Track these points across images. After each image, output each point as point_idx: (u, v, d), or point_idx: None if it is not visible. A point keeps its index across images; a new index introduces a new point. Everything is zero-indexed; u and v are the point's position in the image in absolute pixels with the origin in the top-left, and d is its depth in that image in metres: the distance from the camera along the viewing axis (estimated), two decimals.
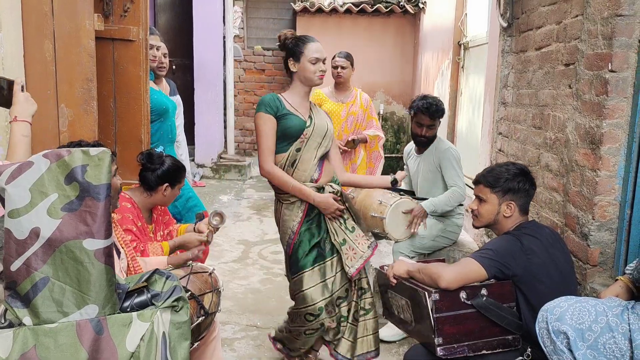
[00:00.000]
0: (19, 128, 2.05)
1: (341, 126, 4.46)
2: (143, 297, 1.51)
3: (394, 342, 3.35)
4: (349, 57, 4.54)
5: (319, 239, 2.78)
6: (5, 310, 1.43)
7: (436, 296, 2.10)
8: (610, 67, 2.36)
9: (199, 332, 2.21)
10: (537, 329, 1.99)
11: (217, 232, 2.84)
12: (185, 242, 2.76)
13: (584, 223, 2.53)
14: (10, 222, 1.41)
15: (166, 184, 2.75)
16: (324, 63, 2.78)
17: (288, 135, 2.73)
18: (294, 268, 2.80)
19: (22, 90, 2.14)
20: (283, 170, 2.74)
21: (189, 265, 2.40)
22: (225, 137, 8.68)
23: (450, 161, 3.47)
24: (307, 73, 2.76)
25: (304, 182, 2.74)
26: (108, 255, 1.43)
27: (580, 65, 2.62)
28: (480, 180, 2.40)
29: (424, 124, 3.49)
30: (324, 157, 2.84)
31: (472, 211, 2.42)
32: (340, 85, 4.54)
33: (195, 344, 2.21)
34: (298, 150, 2.74)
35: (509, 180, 2.33)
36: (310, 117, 2.80)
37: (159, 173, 2.73)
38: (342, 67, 4.43)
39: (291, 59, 2.78)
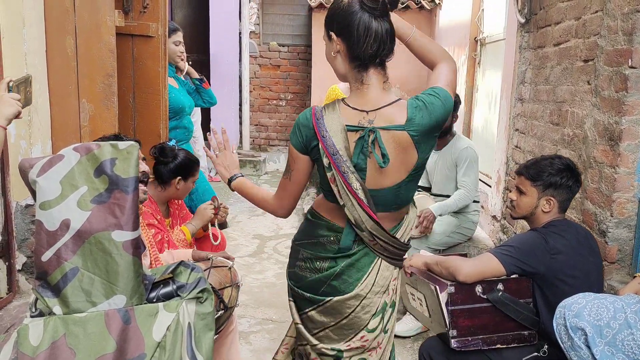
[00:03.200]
0: None
1: None
2: (169, 288, 1.55)
3: (409, 337, 3.36)
4: None
5: None
6: (36, 299, 1.47)
7: (452, 289, 2.11)
8: (630, 63, 2.35)
9: (218, 325, 2.25)
10: (554, 325, 1.98)
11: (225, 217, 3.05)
12: (200, 218, 2.90)
13: (602, 220, 2.52)
14: (41, 213, 1.45)
15: (179, 178, 2.76)
16: None
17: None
18: None
19: (9, 90, 1.89)
20: None
21: (209, 259, 2.44)
22: (241, 133, 8.72)
23: (465, 161, 3.47)
24: None
25: None
26: (136, 247, 1.46)
27: (599, 62, 2.61)
28: (522, 172, 2.33)
29: None
30: None
31: (511, 202, 2.39)
32: None
33: (214, 337, 2.24)
34: None
35: (551, 175, 2.24)
36: None
37: (172, 167, 2.75)
38: None
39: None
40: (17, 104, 1.85)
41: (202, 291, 1.57)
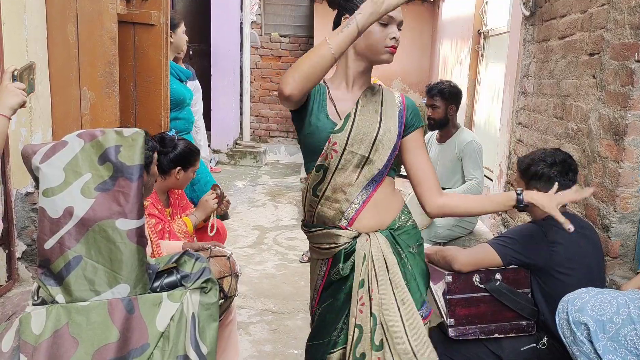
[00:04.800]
0: None
1: None
2: (173, 278, 1.54)
3: None
4: None
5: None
6: (39, 287, 1.46)
7: (449, 278, 2.13)
8: (636, 57, 2.34)
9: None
10: (557, 319, 1.98)
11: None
12: (202, 210, 2.90)
13: (605, 215, 2.51)
14: (44, 200, 1.43)
15: (178, 168, 2.75)
16: (399, 28, 1.73)
17: (309, 146, 1.80)
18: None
19: (14, 79, 1.85)
20: (307, 201, 1.87)
21: (208, 249, 2.43)
22: (241, 124, 8.70)
23: (471, 155, 3.47)
24: (371, 39, 1.69)
25: (331, 224, 1.82)
26: (140, 235, 1.45)
27: (605, 55, 2.59)
28: (517, 163, 2.40)
29: (428, 105, 3.57)
30: (375, 180, 1.81)
31: None
32: None
33: None
34: (320, 170, 1.78)
35: (530, 165, 2.28)
36: (349, 116, 1.76)
37: (171, 157, 2.73)
38: None
39: (347, 15, 1.69)
40: (22, 93, 1.83)
41: (206, 281, 1.56)
